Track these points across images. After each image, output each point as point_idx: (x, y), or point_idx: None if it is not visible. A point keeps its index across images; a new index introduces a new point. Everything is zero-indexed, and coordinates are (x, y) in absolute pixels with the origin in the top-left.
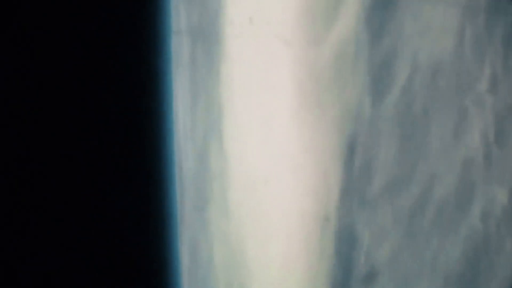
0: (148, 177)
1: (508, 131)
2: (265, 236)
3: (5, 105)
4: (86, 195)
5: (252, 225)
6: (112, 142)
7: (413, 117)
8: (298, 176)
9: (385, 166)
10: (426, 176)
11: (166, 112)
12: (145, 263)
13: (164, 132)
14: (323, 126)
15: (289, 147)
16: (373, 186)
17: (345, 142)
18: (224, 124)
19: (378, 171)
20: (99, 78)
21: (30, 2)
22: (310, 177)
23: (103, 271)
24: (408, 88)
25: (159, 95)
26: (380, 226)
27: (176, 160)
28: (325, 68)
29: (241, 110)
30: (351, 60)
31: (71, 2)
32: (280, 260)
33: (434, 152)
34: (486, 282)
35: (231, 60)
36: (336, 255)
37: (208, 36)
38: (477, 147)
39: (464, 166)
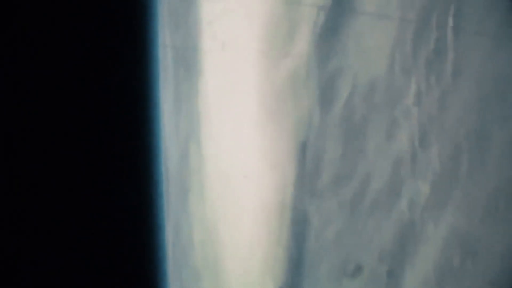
0: (140, 171)
1: (430, 136)
2: (233, 219)
3: None
4: (85, 185)
5: (223, 210)
6: (110, 141)
7: (353, 124)
8: (261, 172)
9: (331, 164)
10: (364, 172)
11: (155, 118)
12: (138, 240)
13: (153, 134)
14: (281, 131)
15: (254, 148)
16: (321, 180)
17: (299, 144)
18: (201, 128)
19: (325, 168)
20: (99, 89)
21: (25, 13)
22: (270, 173)
23: (103, 246)
24: (350, 101)
25: (150, 104)
26: (327, 212)
27: (163, 158)
28: (282, 84)
29: (215, 117)
30: (303, 78)
31: (72, 16)
32: (247, 238)
33: (371, 153)
34: (411, 256)
35: (207, 76)
36: (292, 235)
37: (188, 56)
38: (405, 149)
39: (394, 164)
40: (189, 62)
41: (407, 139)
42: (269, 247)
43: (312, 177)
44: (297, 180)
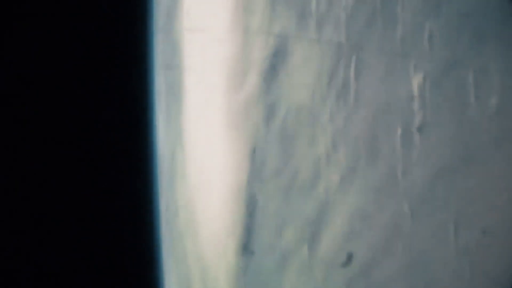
0: (140, 169)
1: (339, 143)
2: (206, 198)
3: None
4: (88, 182)
5: (199, 196)
6: (115, 146)
7: (287, 136)
8: (225, 167)
9: (271, 162)
10: (293, 167)
11: (151, 126)
12: (138, 219)
13: (150, 140)
14: (239, 139)
15: (220, 150)
16: (265, 172)
17: (250, 149)
18: (184, 137)
19: (268, 165)
20: (105, 101)
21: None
22: (232, 167)
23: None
24: (285, 119)
25: (147, 114)
26: (268, 194)
27: (158, 160)
28: (240, 106)
29: (194, 129)
30: (254, 101)
31: (80, 34)
32: (215, 211)
33: (298, 155)
34: (325, 225)
35: (188, 95)
36: (245, 208)
37: (175, 77)
38: (322, 152)
39: (314, 162)
40: (175, 82)
41: (323, 146)
42: (230, 216)
43: (259, 170)
44: (249, 172)
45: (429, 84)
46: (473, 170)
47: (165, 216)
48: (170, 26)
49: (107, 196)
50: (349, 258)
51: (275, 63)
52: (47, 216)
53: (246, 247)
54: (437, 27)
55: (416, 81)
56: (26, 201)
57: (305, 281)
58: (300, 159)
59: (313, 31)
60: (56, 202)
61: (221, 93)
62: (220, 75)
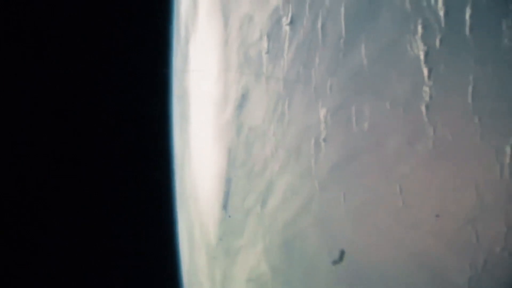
0: (164, 164)
1: (279, 149)
2: (202, 181)
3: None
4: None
5: (198, 179)
6: (149, 149)
7: (249, 143)
8: (213, 162)
9: (241, 158)
10: (252, 161)
11: (170, 136)
12: (163, 193)
13: (170, 145)
14: (221, 144)
15: (210, 152)
16: (237, 164)
17: (228, 150)
18: (190, 144)
19: (238, 160)
20: (144, 119)
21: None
22: (217, 162)
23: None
24: (249, 133)
25: (168, 129)
26: (238, 178)
27: (175, 158)
28: (222, 125)
29: (195, 138)
30: (231, 123)
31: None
32: (207, 188)
33: (255, 154)
34: (271, 193)
35: (192, 117)
36: (225, 186)
37: (184, 105)
38: (269, 154)
39: (265, 159)
40: (184, 99)
41: (270, 149)
42: (216, 189)
43: (232, 163)
44: (227, 164)
45: (330, 114)
46: (356, 165)
47: (178, 192)
48: (183, 68)
49: (142, 181)
50: (341, 255)
51: (242, 101)
52: (97, 199)
53: (224, 206)
54: (337, 81)
55: (322, 112)
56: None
57: (258, 226)
58: (256, 156)
59: (263, 83)
60: (102, 186)
61: (211, 117)
62: (211, 105)
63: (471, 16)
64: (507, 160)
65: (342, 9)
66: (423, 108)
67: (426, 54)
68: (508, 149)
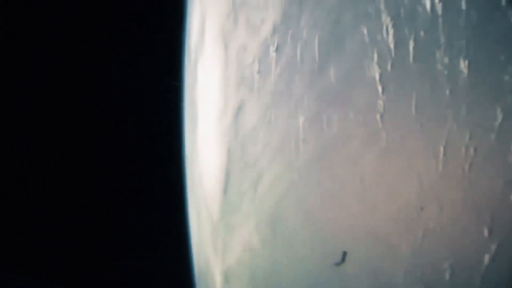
0: (177, 160)
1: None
2: (207, 173)
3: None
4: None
5: (204, 171)
6: (165, 149)
7: (244, 142)
8: (216, 158)
9: (237, 155)
10: (247, 156)
11: (182, 138)
12: (176, 184)
13: (181, 145)
14: (222, 145)
15: (214, 151)
16: (234, 160)
17: (227, 149)
18: (197, 144)
19: (235, 156)
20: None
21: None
22: (219, 159)
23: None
24: (243, 136)
25: (181, 131)
26: (236, 170)
27: (185, 156)
28: (223, 130)
29: (201, 140)
30: (229, 128)
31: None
32: (211, 177)
33: (249, 151)
34: (261, 179)
35: (199, 122)
36: (225, 173)
37: (194, 112)
38: (260, 151)
39: (257, 156)
40: (193, 107)
41: (260, 148)
42: (218, 178)
43: (231, 159)
44: (227, 159)
45: (307, 121)
46: (327, 160)
47: (188, 180)
48: (193, 83)
49: (160, 173)
50: (344, 256)
51: (239, 111)
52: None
53: (225, 191)
54: (311, 95)
55: (301, 119)
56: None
57: (251, 206)
58: (249, 153)
59: (255, 97)
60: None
61: (214, 122)
62: (214, 113)
63: (413, 48)
64: (441, 157)
65: (316, 40)
66: (378, 117)
67: (380, 76)
68: (441, 148)
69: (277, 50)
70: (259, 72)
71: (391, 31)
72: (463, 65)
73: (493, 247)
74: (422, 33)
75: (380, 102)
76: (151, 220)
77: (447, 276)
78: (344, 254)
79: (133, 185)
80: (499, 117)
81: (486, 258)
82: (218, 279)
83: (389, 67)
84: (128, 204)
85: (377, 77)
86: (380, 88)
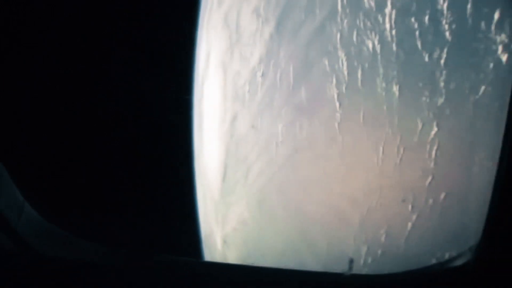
0: (186, 158)
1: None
2: (209, 166)
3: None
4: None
5: (207, 165)
6: (178, 149)
7: (237, 143)
8: (216, 155)
9: (233, 152)
10: (239, 154)
11: (192, 141)
12: (186, 177)
13: (192, 145)
14: (221, 145)
15: (214, 149)
16: (230, 156)
17: (225, 148)
18: (202, 144)
19: (231, 154)
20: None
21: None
22: (218, 155)
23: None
24: (237, 138)
25: (192, 136)
26: (232, 164)
27: (195, 154)
28: (223, 134)
29: (205, 141)
30: (227, 132)
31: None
32: (212, 169)
33: (240, 150)
34: (253, 162)
35: (204, 128)
36: (223, 169)
37: (200, 120)
38: (249, 150)
39: (247, 153)
40: (199, 118)
41: (250, 148)
42: (218, 170)
43: (228, 155)
44: (225, 155)
45: (284, 127)
46: (299, 157)
47: (197, 171)
48: (200, 97)
49: (176, 167)
50: (350, 263)
51: (233, 120)
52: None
53: (223, 179)
54: (287, 109)
55: (279, 126)
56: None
57: (243, 190)
58: (242, 151)
59: (246, 110)
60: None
61: (216, 128)
62: (216, 121)
63: (361, 75)
64: (380, 154)
65: (291, 68)
66: (336, 125)
67: (338, 95)
68: (381, 148)
69: (262, 75)
70: (249, 91)
71: (345, 63)
72: (395, 88)
73: (414, 217)
74: (366, 65)
75: (338, 114)
76: (168, 201)
77: (382, 239)
78: (351, 261)
79: (154, 176)
80: (420, 125)
81: (409, 225)
82: (219, 242)
83: (344, 89)
84: (148, 189)
85: (335, 96)
86: (337, 104)
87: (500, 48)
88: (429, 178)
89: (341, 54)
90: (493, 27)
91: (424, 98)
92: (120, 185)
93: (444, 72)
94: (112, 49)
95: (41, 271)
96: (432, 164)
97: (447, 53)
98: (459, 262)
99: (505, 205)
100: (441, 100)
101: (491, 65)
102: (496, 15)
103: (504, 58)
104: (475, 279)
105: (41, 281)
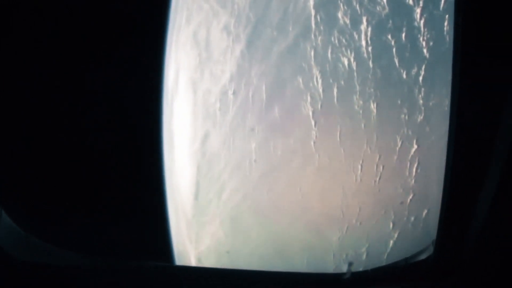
0: (157, 176)
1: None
2: (182, 188)
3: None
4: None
5: (179, 188)
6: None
7: (209, 158)
8: (188, 176)
9: (205, 171)
10: (217, 172)
11: (162, 156)
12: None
13: (162, 164)
14: (194, 165)
15: (187, 170)
16: (203, 176)
17: (197, 167)
18: (173, 163)
19: (203, 172)
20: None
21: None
22: (191, 175)
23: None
24: (208, 153)
25: (160, 147)
26: (206, 184)
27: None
28: (195, 152)
29: (177, 159)
30: (198, 149)
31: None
32: (185, 182)
33: (214, 168)
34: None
35: (175, 144)
36: (195, 189)
37: (170, 130)
38: (227, 156)
39: (226, 161)
40: (169, 132)
41: (222, 166)
42: (190, 188)
43: (200, 173)
44: (197, 174)
45: (257, 146)
46: (273, 175)
47: (169, 190)
48: (170, 116)
49: (148, 185)
50: (349, 266)
51: (205, 138)
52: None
53: (196, 197)
54: (261, 127)
55: (253, 145)
56: None
57: (216, 209)
58: (214, 170)
59: (218, 128)
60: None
61: (187, 146)
62: (187, 140)
63: (336, 93)
64: (359, 172)
65: (264, 86)
66: (312, 143)
67: (313, 113)
68: (359, 166)
69: (233, 93)
70: (220, 109)
71: (319, 80)
72: (372, 106)
73: (395, 235)
74: (342, 82)
75: (313, 132)
76: (139, 219)
77: (364, 256)
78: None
79: (125, 192)
80: (399, 143)
81: (391, 243)
82: (193, 261)
83: (319, 107)
84: (121, 205)
85: (311, 114)
86: (313, 122)
87: None
88: (410, 196)
89: (316, 71)
90: None
91: (402, 116)
92: (94, 193)
93: (422, 89)
94: (85, 64)
95: (16, 276)
96: (412, 182)
97: (425, 70)
98: (422, 256)
99: (455, 202)
100: (420, 117)
101: None
102: None
103: None
104: (437, 269)
105: (15, 286)
